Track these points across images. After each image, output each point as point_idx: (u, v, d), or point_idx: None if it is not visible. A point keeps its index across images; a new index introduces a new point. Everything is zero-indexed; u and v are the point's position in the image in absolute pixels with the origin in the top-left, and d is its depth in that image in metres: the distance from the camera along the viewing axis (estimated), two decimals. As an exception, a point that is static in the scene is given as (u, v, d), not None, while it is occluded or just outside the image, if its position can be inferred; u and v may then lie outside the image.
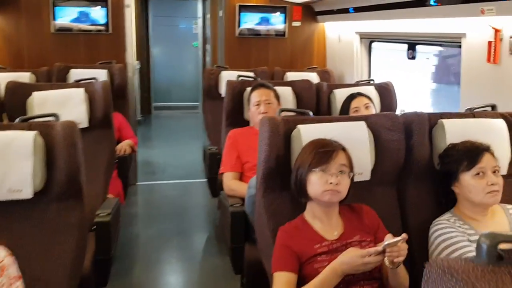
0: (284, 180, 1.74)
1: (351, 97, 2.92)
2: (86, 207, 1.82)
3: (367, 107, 2.86)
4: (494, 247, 0.70)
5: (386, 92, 3.24)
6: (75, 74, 3.91)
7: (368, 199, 1.79)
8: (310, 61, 4.93)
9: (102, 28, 4.53)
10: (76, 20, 4.50)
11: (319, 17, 4.80)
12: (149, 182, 4.96)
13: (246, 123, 3.03)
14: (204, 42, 8.41)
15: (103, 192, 2.63)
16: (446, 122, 1.82)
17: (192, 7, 8.61)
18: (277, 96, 2.92)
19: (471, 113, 1.96)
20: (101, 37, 4.54)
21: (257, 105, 2.85)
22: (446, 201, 1.79)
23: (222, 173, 2.82)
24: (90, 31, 4.53)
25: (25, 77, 3.73)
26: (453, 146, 1.77)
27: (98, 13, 4.53)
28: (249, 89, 2.98)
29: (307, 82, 3.11)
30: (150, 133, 7.62)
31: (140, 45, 7.56)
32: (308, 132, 1.75)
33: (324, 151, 1.61)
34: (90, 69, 3.98)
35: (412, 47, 3.38)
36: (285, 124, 1.79)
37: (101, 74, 3.85)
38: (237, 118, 3.04)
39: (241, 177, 2.78)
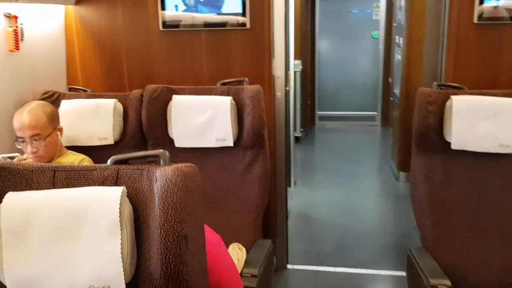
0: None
1: None
2: None
3: None
4: None
5: None
6: (179, 104, 2.28)
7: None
8: None
9: (235, 20, 2.62)
10: (189, 8, 2.64)
11: None
12: (308, 266, 3.04)
13: None
14: (389, 32, 6.13)
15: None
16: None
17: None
18: None
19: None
20: (232, 35, 2.65)
21: None
22: None
23: None
24: (214, 25, 2.63)
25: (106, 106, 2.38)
26: None
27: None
28: None
29: None
30: (312, 157, 5.74)
31: (301, 40, 5.66)
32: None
33: None
34: (202, 95, 2.29)
35: None
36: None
37: (218, 106, 2.16)
38: None
39: None
